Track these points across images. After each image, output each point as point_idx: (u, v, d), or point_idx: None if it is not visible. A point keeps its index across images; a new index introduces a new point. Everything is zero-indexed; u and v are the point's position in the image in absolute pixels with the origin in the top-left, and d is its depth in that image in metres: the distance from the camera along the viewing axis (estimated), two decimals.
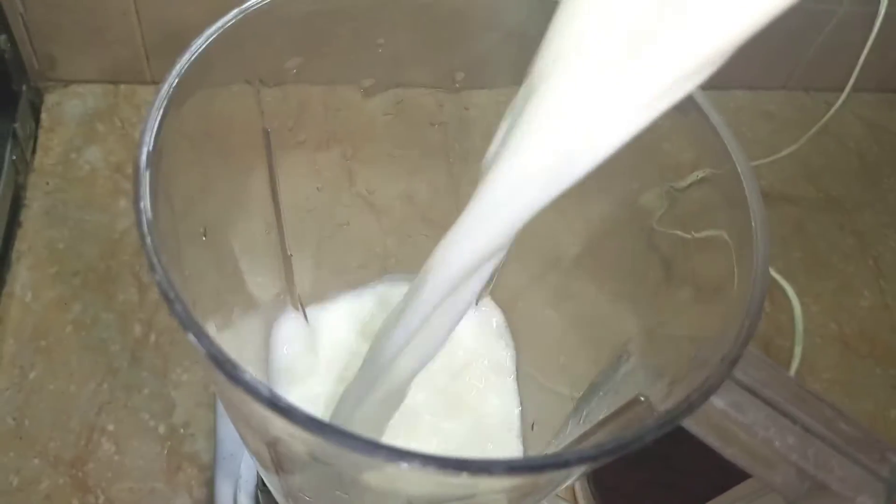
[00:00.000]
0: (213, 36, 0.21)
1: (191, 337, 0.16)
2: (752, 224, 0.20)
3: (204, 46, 0.21)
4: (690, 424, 0.18)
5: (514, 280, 0.34)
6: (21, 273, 0.47)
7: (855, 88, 0.64)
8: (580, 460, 0.15)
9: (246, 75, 0.24)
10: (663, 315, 0.24)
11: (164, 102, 0.20)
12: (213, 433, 0.42)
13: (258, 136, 0.25)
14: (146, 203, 0.18)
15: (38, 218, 0.50)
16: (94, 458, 0.42)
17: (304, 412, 0.15)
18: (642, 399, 0.21)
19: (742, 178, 0.22)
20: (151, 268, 0.17)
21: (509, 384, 0.34)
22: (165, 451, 0.42)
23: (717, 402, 0.18)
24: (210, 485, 0.41)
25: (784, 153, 0.61)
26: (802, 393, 0.18)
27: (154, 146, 0.19)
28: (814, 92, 0.72)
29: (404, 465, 0.15)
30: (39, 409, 0.43)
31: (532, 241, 0.33)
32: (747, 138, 0.66)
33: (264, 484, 0.34)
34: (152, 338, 0.46)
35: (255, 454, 0.23)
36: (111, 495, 0.41)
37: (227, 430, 0.39)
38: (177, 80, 0.21)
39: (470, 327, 0.35)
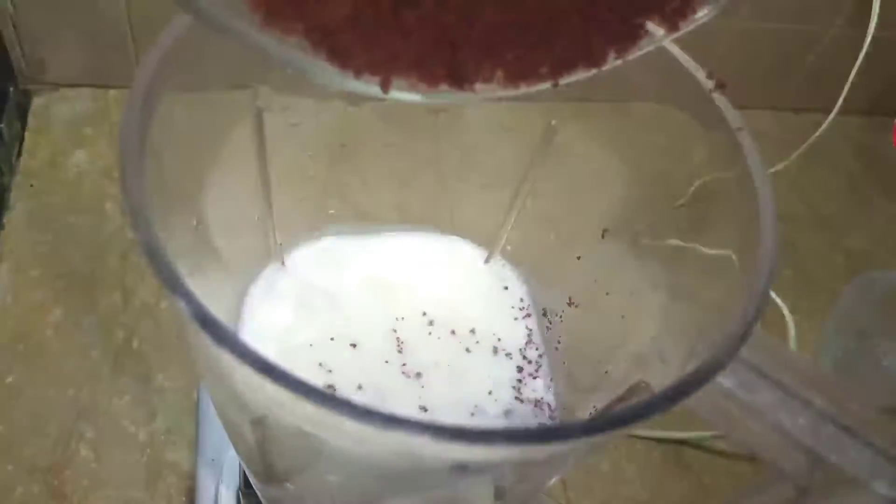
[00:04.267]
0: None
1: (179, 301, 0.15)
2: (758, 199, 0.19)
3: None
4: (696, 405, 0.18)
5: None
6: (2, 275, 0.46)
7: (843, 111, 0.64)
8: (584, 431, 0.15)
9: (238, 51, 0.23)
10: (665, 297, 0.23)
11: (148, 80, 0.19)
12: (194, 441, 0.41)
13: (250, 114, 0.25)
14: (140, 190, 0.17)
15: (22, 220, 0.49)
16: (71, 465, 0.40)
17: (297, 377, 0.14)
18: (644, 384, 0.20)
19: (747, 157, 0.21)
20: (152, 260, 0.16)
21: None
22: (145, 459, 0.41)
23: (725, 381, 0.17)
24: (190, 493, 0.40)
25: (772, 170, 0.62)
26: (812, 373, 0.17)
27: (144, 129, 0.18)
28: (803, 113, 0.72)
29: (400, 433, 0.14)
30: (16, 415, 0.41)
31: (532, 240, 0.32)
32: None
33: (247, 486, 0.33)
34: (135, 343, 0.45)
35: (239, 441, 0.22)
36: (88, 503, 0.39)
37: (210, 434, 0.37)
38: (161, 54, 0.19)
39: None
